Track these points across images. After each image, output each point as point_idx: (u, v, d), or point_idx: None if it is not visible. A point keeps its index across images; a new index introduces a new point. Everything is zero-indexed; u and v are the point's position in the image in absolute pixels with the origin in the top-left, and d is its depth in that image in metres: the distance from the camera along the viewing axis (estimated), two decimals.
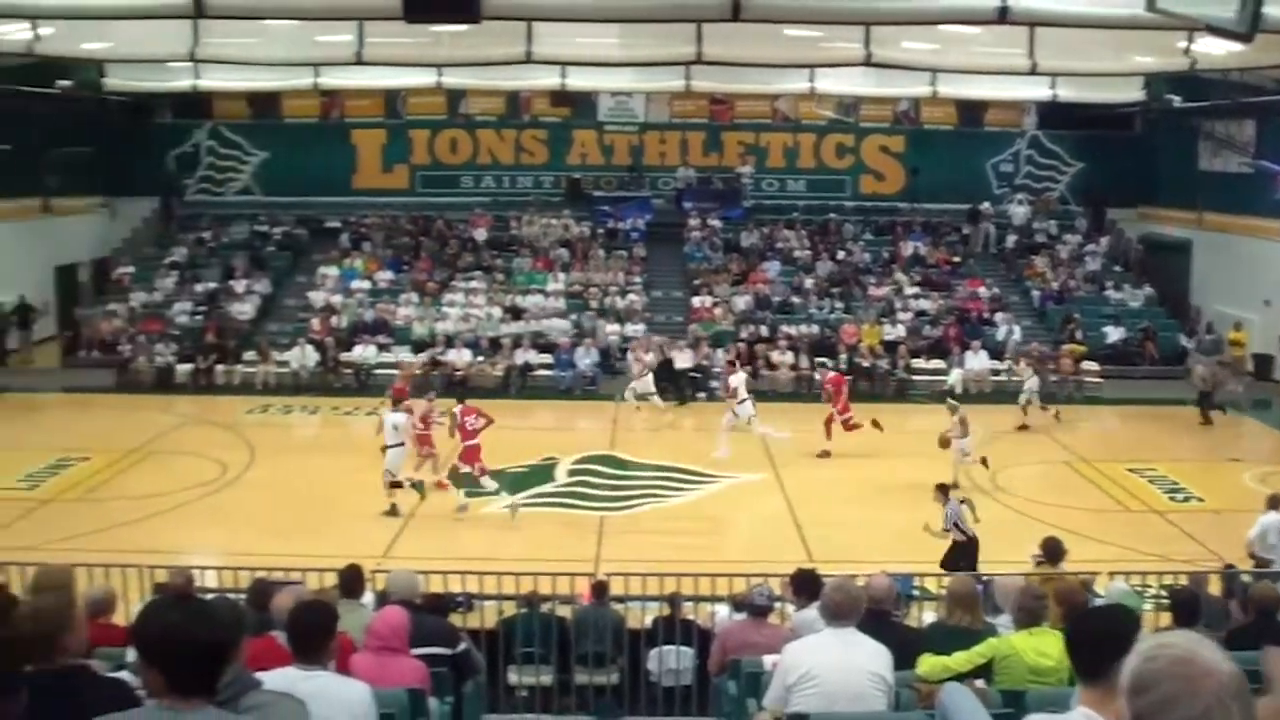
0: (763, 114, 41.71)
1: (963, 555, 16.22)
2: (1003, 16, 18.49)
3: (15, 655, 3.63)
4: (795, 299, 35.28)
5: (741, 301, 34.85)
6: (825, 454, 24.40)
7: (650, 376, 28.62)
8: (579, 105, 40.68)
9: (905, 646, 7.52)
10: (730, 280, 35.96)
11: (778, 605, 10.76)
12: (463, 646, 9.33)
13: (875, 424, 24.27)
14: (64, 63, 30.68)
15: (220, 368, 31.63)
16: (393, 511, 20.01)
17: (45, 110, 34.62)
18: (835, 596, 7.14)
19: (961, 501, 16.83)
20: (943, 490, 17.06)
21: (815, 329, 33.53)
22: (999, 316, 34.25)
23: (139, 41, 25.05)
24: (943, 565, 15.90)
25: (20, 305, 34.29)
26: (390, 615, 7.84)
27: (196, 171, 41.30)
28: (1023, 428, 26.80)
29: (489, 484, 20.66)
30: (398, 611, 7.93)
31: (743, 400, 24.36)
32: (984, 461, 22.00)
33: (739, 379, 24.71)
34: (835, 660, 6.85)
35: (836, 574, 8.78)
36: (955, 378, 30.34)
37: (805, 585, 10.02)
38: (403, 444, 20.53)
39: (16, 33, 24.22)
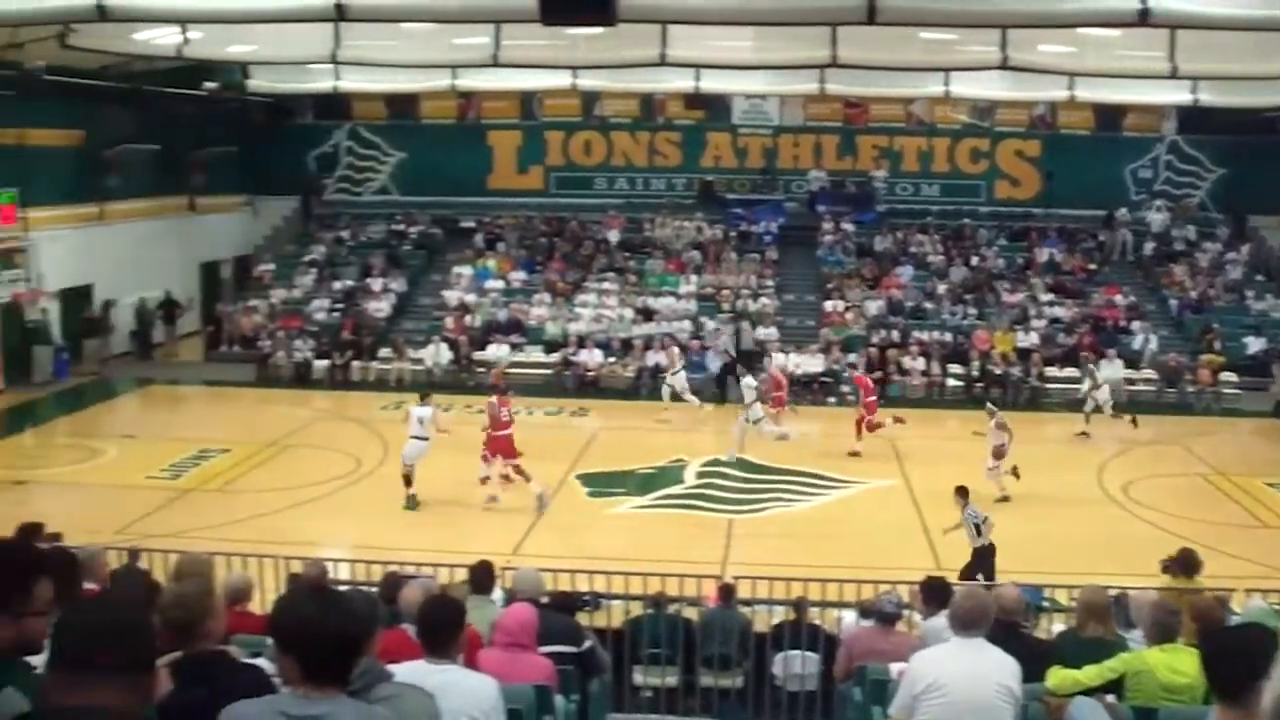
0: (897, 118, 41.37)
1: (980, 564, 15.94)
2: (1143, 19, 18.15)
3: (159, 639, 3.75)
4: (928, 304, 34.87)
5: (874, 306, 34.51)
6: (855, 454, 24.34)
7: (684, 374, 28.61)
8: (713, 108, 40.88)
9: (1034, 659, 7.40)
10: (863, 285, 35.67)
11: (905, 613, 10.68)
12: (588, 644, 9.39)
13: (897, 419, 24.89)
14: (210, 65, 31.53)
15: (356, 364, 32.17)
16: (412, 504, 20.23)
17: (192, 111, 35.63)
18: (965, 605, 7.05)
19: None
20: (961, 493, 16.81)
21: (948, 335, 33.07)
22: (1135, 325, 33.48)
23: (282, 44, 25.67)
24: (961, 576, 15.62)
25: (166, 300, 35.35)
26: (519, 612, 7.91)
27: (336, 171, 42.17)
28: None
29: (497, 486, 20.73)
30: (526, 608, 8.00)
31: (750, 403, 24.27)
32: (1014, 471, 21.35)
33: (748, 382, 24.64)
34: (963, 670, 6.77)
35: (966, 583, 8.70)
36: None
37: (935, 593, 9.94)
38: (426, 438, 20.58)
39: (167, 37, 24.99)
